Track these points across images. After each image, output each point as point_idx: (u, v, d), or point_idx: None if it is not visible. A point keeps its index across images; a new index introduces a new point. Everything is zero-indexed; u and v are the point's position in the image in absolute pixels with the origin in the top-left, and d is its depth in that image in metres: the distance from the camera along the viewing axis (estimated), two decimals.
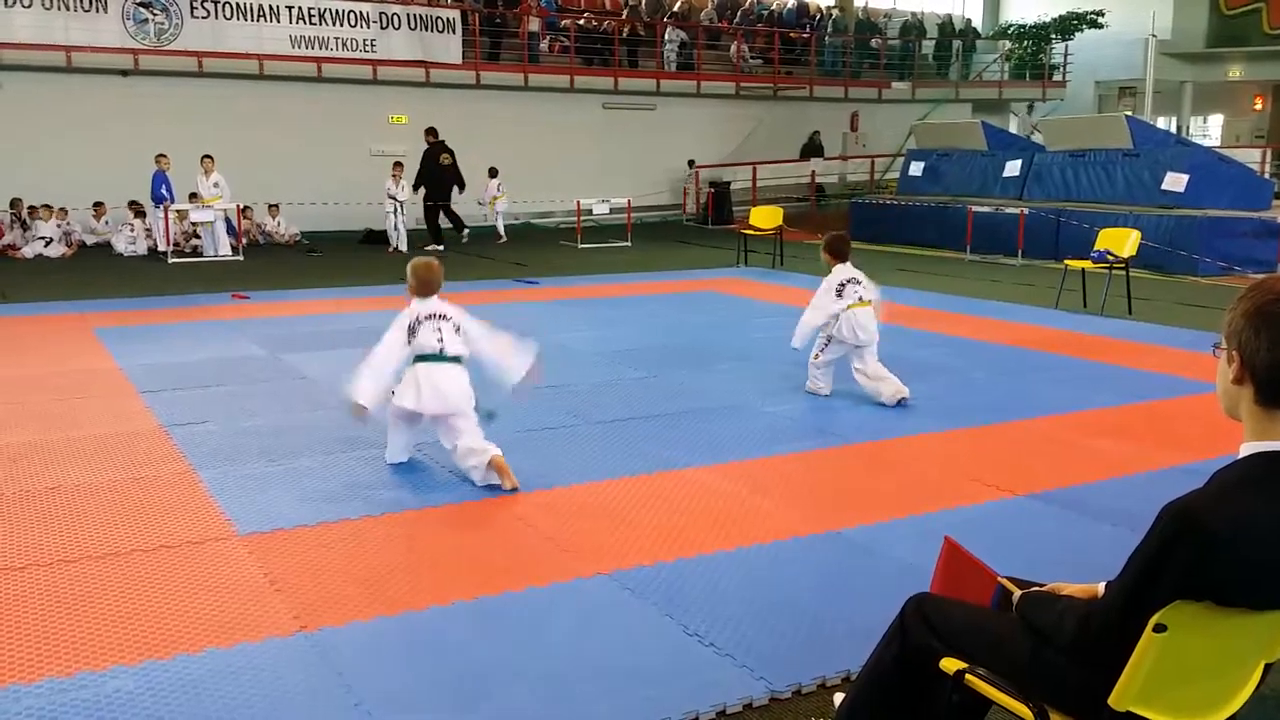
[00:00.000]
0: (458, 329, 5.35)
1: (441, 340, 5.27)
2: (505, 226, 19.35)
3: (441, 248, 17.05)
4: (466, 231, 18.15)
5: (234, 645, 3.47)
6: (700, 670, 3.33)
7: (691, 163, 23.67)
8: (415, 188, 17.52)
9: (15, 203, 16.66)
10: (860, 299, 6.94)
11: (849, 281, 6.97)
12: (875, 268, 14.75)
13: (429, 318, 5.31)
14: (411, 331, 5.27)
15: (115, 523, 4.62)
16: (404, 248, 16.76)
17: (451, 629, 3.62)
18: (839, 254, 7.10)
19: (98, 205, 17.46)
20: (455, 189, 17.96)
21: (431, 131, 17.71)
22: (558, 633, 3.59)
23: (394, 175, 17.08)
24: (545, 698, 3.16)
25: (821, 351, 7.11)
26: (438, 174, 17.61)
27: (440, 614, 3.74)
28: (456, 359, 5.32)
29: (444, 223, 17.85)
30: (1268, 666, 2.08)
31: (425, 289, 5.39)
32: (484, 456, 5.14)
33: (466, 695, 3.18)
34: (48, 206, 16.56)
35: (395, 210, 17.01)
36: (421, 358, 5.27)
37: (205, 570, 4.11)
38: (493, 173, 19.00)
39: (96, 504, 4.87)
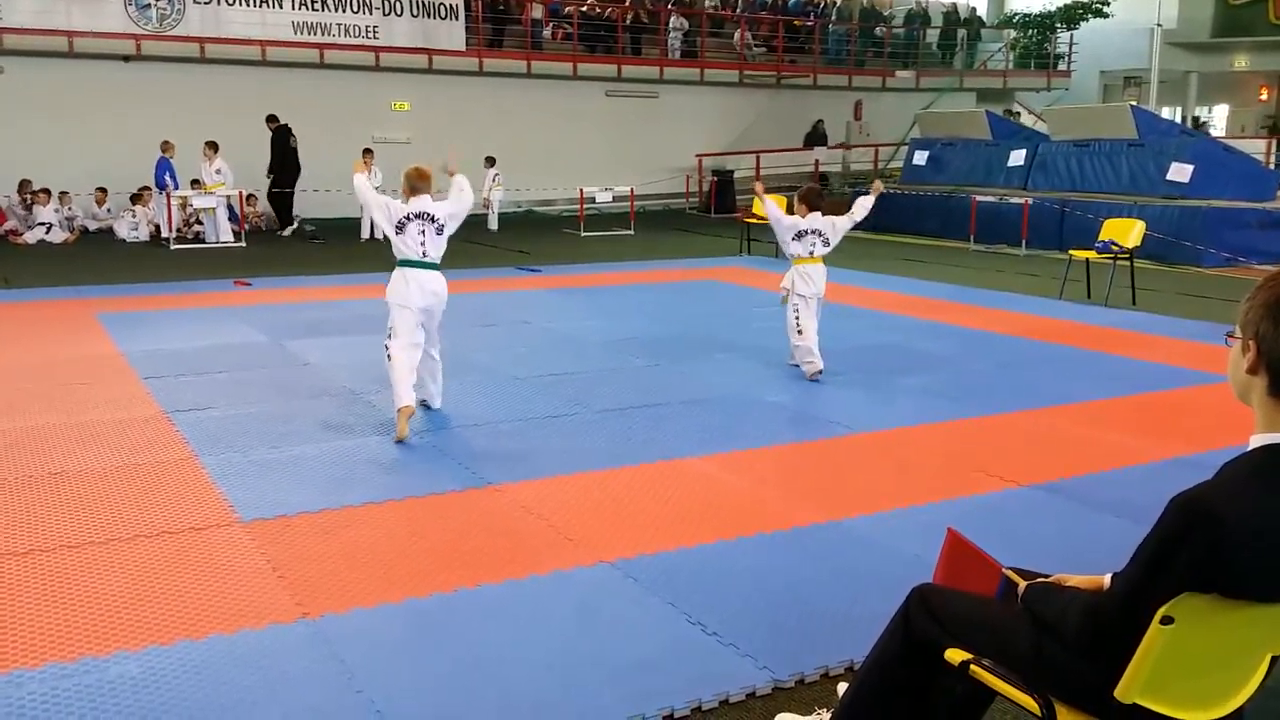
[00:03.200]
0: (439, 229, 6.00)
1: (424, 245, 5.94)
2: (503, 215, 19.26)
3: (287, 232, 17.26)
4: (291, 229, 17.82)
5: (236, 631, 3.47)
6: (703, 659, 3.33)
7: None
8: (269, 173, 17.50)
9: (24, 184, 16.63)
10: (812, 254, 7.31)
11: (812, 231, 7.32)
12: (879, 257, 14.77)
13: (417, 216, 5.95)
14: (400, 228, 5.93)
15: (118, 508, 4.62)
16: (379, 234, 16.75)
17: (454, 616, 3.62)
18: (813, 205, 7.41)
19: (100, 191, 17.42)
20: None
21: (273, 118, 17.60)
22: (560, 621, 3.59)
23: (366, 162, 17.03)
24: (548, 686, 3.16)
25: (797, 319, 7.24)
26: (289, 158, 17.54)
27: (443, 601, 3.73)
28: (435, 265, 5.99)
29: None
30: (1275, 659, 2.07)
31: (415, 190, 5.99)
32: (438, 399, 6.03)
33: (468, 682, 3.17)
34: (46, 191, 16.53)
35: None
36: (406, 262, 5.93)
37: (208, 556, 4.11)
38: (490, 161, 18.92)
39: (99, 490, 4.86)
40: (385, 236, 6.16)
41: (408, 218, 5.95)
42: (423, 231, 5.96)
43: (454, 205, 6.13)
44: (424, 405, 6.25)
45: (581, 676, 3.22)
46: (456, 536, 4.38)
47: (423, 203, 6.00)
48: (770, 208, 7.75)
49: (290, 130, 17.62)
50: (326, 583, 3.87)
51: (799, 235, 7.33)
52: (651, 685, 3.16)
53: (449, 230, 6.10)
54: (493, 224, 18.63)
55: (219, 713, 2.99)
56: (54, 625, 3.51)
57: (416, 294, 5.91)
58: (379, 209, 6.05)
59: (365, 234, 16.71)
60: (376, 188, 16.90)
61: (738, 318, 9.93)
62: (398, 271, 5.97)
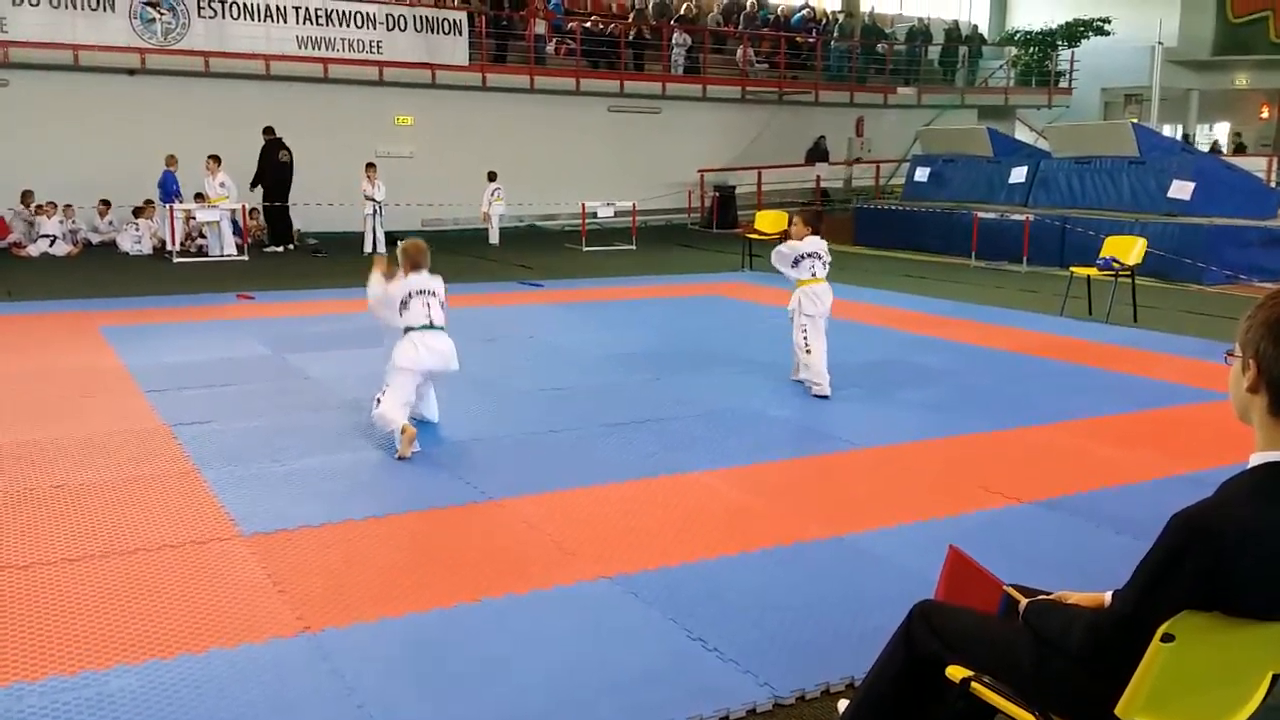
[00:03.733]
0: (442, 304, 6.13)
1: (430, 313, 6.04)
2: (505, 229, 19.25)
3: (281, 249, 17.14)
4: (293, 246, 17.67)
5: (237, 645, 3.47)
6: (704, 675, 3.33)
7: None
8: (253, 186, 17.34)
9: (26, 196, 16.68)
10: (814, 275, 7.33)
11: (810, 255, 7.33)
12: (880, 273, 14.79)
13: (419, 293, 6.04)
14: (404, 305, 6.02)
15: (119, 522, 4.62)
16: (382, 250, 16.78)
17: (455, 630, 3.62)
18: (813, 227, 7.43)
19: (103, 203, 17.47)
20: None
21: (269, 130, 17.52)
22: (562, 636, 3.59)
23: (369, 176, 17.09)
24: (549, 701, 3.15)
25: (806, 339, 7.26)
26: (277, 171, 17.40)
27: (444, 615, 3.73)
28: (442, 328, 6.09)
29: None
30: (1276, 677, 2.07)
31: (415, 266, 6.09)
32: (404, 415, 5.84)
33: (469, 697, 3.17)
34: (52, 204, 16.59)
35: (375, 212, 17.00)
36: (412, 328, 5.99)
37: (208, 570, 4.11)
38: (491, 176, 18.97)
39: (100, 503, 4.87)
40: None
41: (410, 295, 6.01)
42: (427, 304, 6.02)
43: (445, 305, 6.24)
44: (421, 420, 6.25)
45: (582, 691, 3.21)
46: (458, 551, 4.38)
47: (422, 279, 6.08)
48: (778, 258, 7.50)
49: (282, 144, 17.51)
50: (327, 596, 3.87)
51: (797, 261, 7.34)
52: (652, 701, 3.15)
53: (445, 308, 6.17)
54: (493, 239, 18.63)
55: None
56: (54, 638, 3.50)
57: (426, 356, 5.92)
58: (383, 306, 6.09)
59: (368, 247, 16.72)
60: (380, 201, 17.02)
61: (740, 332, 9.94)
62: (406, 337, 5.96)
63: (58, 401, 6.78)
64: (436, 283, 6.16)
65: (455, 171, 19.42)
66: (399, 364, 5.91)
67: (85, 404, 6.73)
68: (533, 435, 6.19)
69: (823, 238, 7.47)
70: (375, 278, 6.17)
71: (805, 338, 7.26)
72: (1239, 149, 28.05)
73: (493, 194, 18.81)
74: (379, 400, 5.84)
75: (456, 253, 17.41)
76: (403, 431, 5.68)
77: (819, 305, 7.29)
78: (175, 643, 3.48)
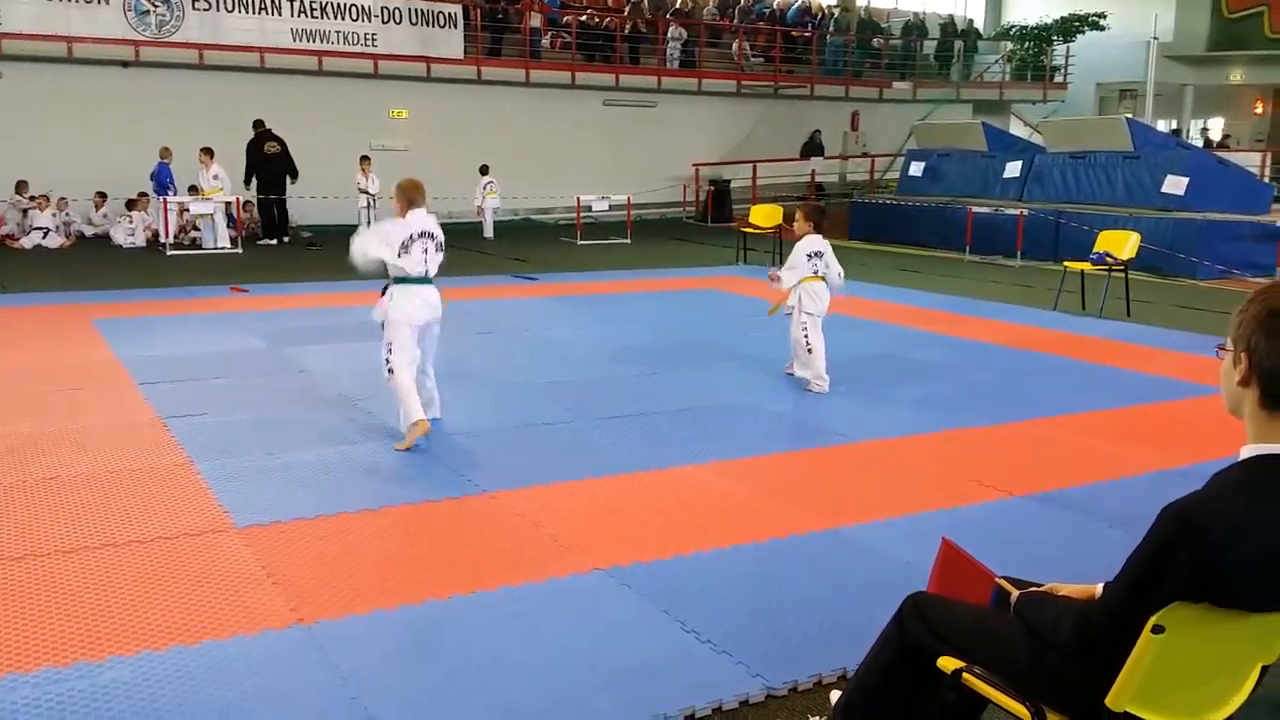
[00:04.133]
0: (439, 246, 6.02)
1: (427, 263, 5.93)
2: (500, 223, 19.22)
3: (274, 242, 17.11)
4: (287, 239, 17.56)
5: (231, 637, 3.47)
6: (697, 667, 3.33)
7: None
8: (246, 180, 17.26)
9: (21, 185, 16.61)
10: (816, 273, 7.34)
11: (816, 254, 7.33)
12: (875, 267, 14.80)
13: (421, 236, 5.90)
14: (405, 248, 5.85)
15: (112, 514, 4.62)
16: None
17: (449, 623, 3.62)
18: (816, 223, 7.41)
19: (100, 195, 17.42)
20: (289, 179, 17.55)
21: (258, 123, 17.38)
22: (555, 628, 3.59)
23: (363, 169, 17.04)
24: (542, 693, 3.16)
25: (807, 338, 7.26)
26: (262, 164, 17.25)
27: (438, 608, 3.74)
28: (431, 280, 6.00)
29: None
30: (1265, 668, 2.08)
31: (412, 204, 5.96)
32: (423, 411, 5.80)
33: (463, 689, 3.18)
34: (45, 196, 16.54)
35: (369, 204, 16.96)
36: (407, 279, 5.87)
37: (202, 562, 4.11)
38: (484, 170, 18.90)
39: (93, 495, 4.86)
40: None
41: (412, 238, 5.87)
42: (426, 250, 5.92)
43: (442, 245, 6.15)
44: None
45: (576, 684, 3.22)
46: (452, 544, 4.38)
47: (423, 220, 5.94)
48: (791, 274, 7.42)
49: (270, 136, 17.37)
50: (321, 589, 3.87)
51: (809, 256, 7.30)
52: (646, 693, 3.16)
53: (442, 254, 6.09)
54: (487, 232, 18.63)
55: (213, 718, 2.99)
56: (48, 630, 3.50)
57: (422, 309, 5.89)
58: (380, 246, 5.91)
59: None
60: (375, 195, 16.96)
61: (735, 327, 9.95)
62: (398, 289, 5.88)
63: (50, 394, 6.77)
64: (435, 224, 6.04)
65: (450, 165, 19.37)
66: (396, 318, 5.84)
67: (78, 397, 6.72)
68: (527, 428, 6.19)
69: (823, 234, 7.46)
70: (365, 231, 6.21)
71: (806, 336, 7.24)
72: (1221, 144, 28.05)
73: (485, 188, 18.80)
74: (389, 366, 5.82)
75: (451, 246, 17.35)
76: (416, 424, 5.67)
77: (819, 303, 7.30)
78: (169, 634, 3.48)
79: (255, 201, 17.67)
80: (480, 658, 3.37)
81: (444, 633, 3.55)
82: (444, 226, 6.29)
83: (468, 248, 16.79)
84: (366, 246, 5.94)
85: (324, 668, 3.29)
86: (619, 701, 3.11)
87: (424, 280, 5.93)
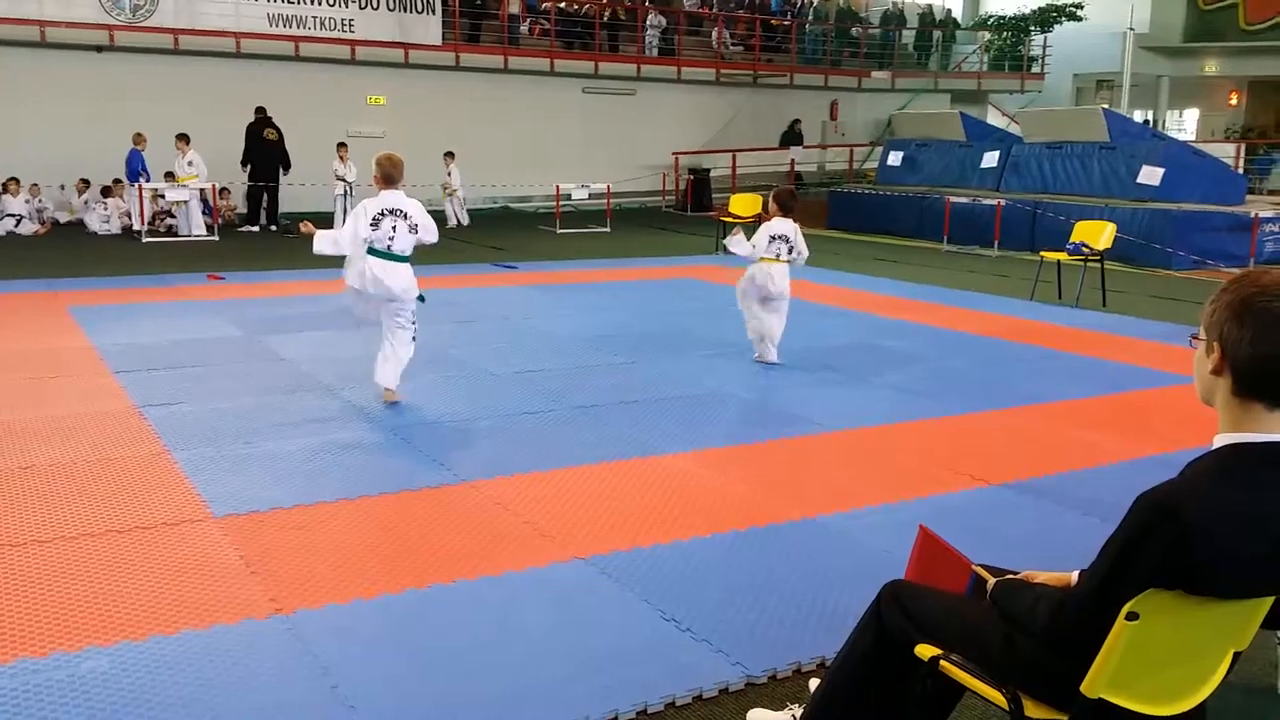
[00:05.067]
0: (412, 227, 6.11)
1: (393, 239, 6.06)
2: (478, 210, 19.08)
3: (257, 229, 17.06)
4: (275, 227, 17.48)
5: (209, 627, 3.46)
6: (677, 655, 3.35)
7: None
8: (243, 165, 17.22)
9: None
10: (778, 257, 7.52)
11: (780, 237, 7.51)
12: (852, 256, 14.85)
13: (391, 212, 6.05)
14: (375, 223, 6.04)
15: (89, 503, 4.59)
16: None
17: (428, 612, 3.62)
18: (787, 208, 7.61)
19: (83, 182, 17.23)
20: (281, 169, 17.53)
21: (260, 109, 17.32)
22: (535, 617, 3.60)
23: (341, 156, 16.94)
24: (522, 681, 3.17)
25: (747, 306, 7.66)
26: (262, 151, 17.24)
27: (417, 597, 3.74)
28: (401, 257, 6.12)
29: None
30: (1237, 654, 2.11)
31: (388, 181, 6.11)
32: (385, 379, 6.22)
33: (442, 677, 3.18)
34: (16, 181, 16.35)
35: (345, 192, 16.83)
36: (372, 251, 6.05)
37: (180, 552, 4.09)
38: (449, 156, 18.56)
39: (69, 484, 4.83)
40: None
41: (382, 213, 6.05)
42: (394, 226, 6.07)
43: (430, 222, 6.30)
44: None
45: (556, 672, 3.23)
46: (431, 532, 4.38)
47: (396, 198, 6.08)
48: (743, 247, 7.67)
49: (268, 123, 17.35)
50: (300, 578, 3.86)
51: (772, 238, 7.52)
52: (625, 680, 3.17)
53: (420, 235, 6.22)
54: (458, 219, 18.41)
55: (191, 708, 2.98)
56: (24, 620, 3.48)
57: (369, 283, 6.09)
58: (361, 229, 6.05)
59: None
60: (351, 182, 16.88)
61: (714, 315, 9.95)
62: (362, 257, 6.10)
63: (25, 382, 6.71)
64: (410, 203, 6.16)
65: (428, 152, 19.22)
66: (348, 282, 6.20)
67: (53, 385, 6.67)
68: (506, 417, 6.18)
69: (796, 220, 7.59)
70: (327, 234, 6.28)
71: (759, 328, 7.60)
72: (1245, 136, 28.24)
73: (448, 174, 18.51)
74: (413, 336, 6.30)
75: (460, 230, 17.32)
76: (385, 393, 6.16)
77: (774, 284, 7.48)
78: (147, 624, 3.47)
79: (245, 187, 17.53)
80: (460, 646, 3.37)
81: (424, 621, 3.55)
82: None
83: (445, 235, 16.74)
84: (344, 238, 6.15)
85: (304, 657, 3.29)
86: (599, 689, 3.13)
87: (381, 254, 6.07)
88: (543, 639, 3.44)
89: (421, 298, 6.34)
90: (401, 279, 6.14)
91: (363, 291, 6.15)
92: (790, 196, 7.76)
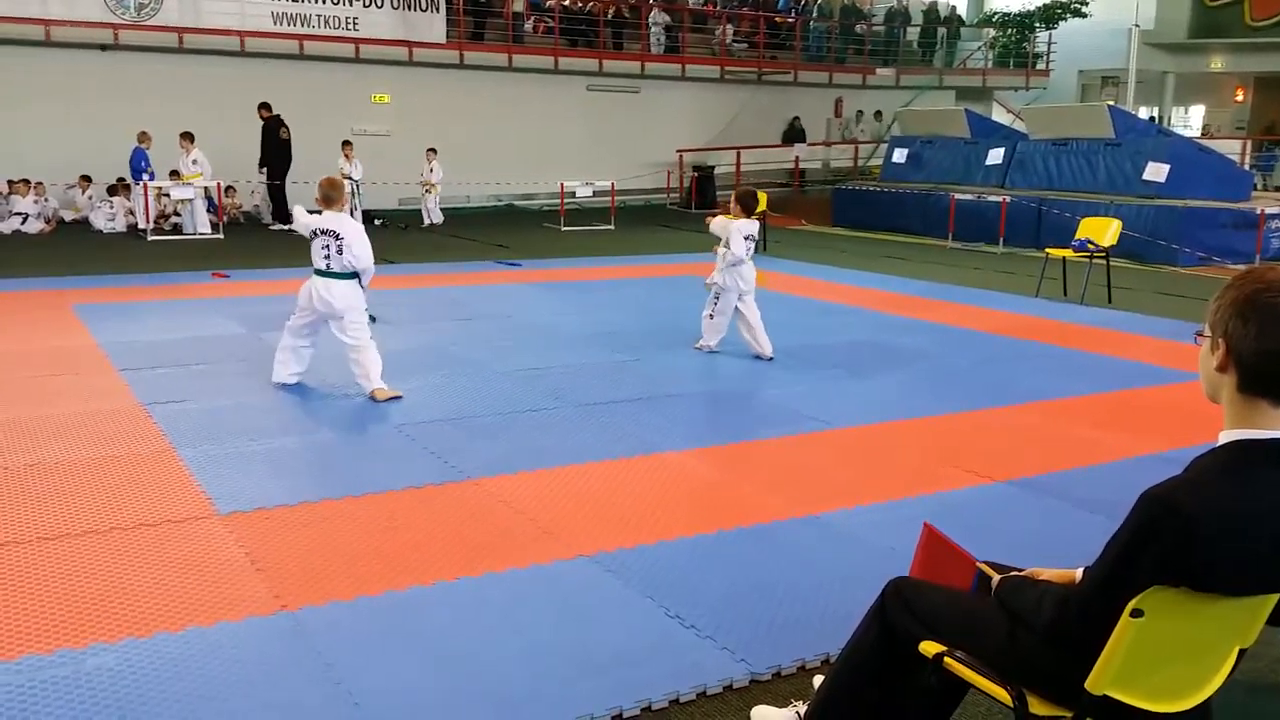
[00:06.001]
0: (340, 249, 6.35)
1: (328, 259, 6.37)
2: (483, 209, 18.99)
3: (287, 228, 16.86)
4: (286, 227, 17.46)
5: (215, 624, 3.47)
6: (681, 652, 3.35)
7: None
8: (261, 166, 17.18)
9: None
10: (749, 254, 7.81)
11: (749, 236, 7.77)
12: (858, 254, 14.84)
13: (324, 233, 6.36)
14: (313, 237, 6.42)
15: (94, 501, 4.60)
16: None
17: (433, 609, 3.63)
18: (749, 209, 7.85)
19: (84, 179, 17.26)
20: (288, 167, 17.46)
21: (266, 106, 17.20)
22: (539, 614, 3.60)
23: (346, 154, 16.91)
24: (526, 679, 3.17)
25: (714, 306, 7.85)
26: (280, 150, 17.18)
27: (422, 594, 3.74)
28: (340, 274, 6.41)
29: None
30: (1242, 651, 2.10)
31: (326, 203, 6.46)
32: (367, 385, 6.43)
33: (447, 675, 3.18)
34: (25, 181, 16.39)
35: (353, 190, 16.77)
36: (317, 270, 6.43)
37: (185, 549, 4.10)
38: (432, 152, 18.32)
39: (75, 482, 4.84)
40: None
41: (315, 234, 6.41)
42: (326, 246, 6.36)
43: (366, 247, 6.49)
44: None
45: (560, 669, 3.23)
46: (435, 530, 4.38)
47: (327, 219, 6.40)
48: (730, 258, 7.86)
49: (282, 121, 17.35)
50: (304, 576, 3.87)
51: (745, 238, 7.74)
52: (629, 678, 3.18)
53: (352, 253, 6.39)
54: (431, 218, 18.20)
55: (196, 704, 2.99)
56: (30, 617, 3.49)
57: (315, 300, 6.44)
58: (305, 230, 6.55)
59: None
60: (358, 180, 16.87)
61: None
62: (312, 276, 6.52)
63: (31, 380, 6.73)
64: (343, 222, 6.42)
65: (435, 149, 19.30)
66: (300, 300, 6.56)
67: (59, 383, 6.68)
68: (510, 415, 6.19)
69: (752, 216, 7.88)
70: (300, 209, 6.79)
71: (716, 301, 7.83)
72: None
73: (430, 170, 18.33)
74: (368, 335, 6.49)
75: (437, 229, 17.34)
76: (377, 393, 6.38)
77: (745, 282, 7.72)
78: (152, 621, 3.47)
79: (265, 187, 17.49)
80: (464, 644, 3.38)
81: (428, 619, 3.56)
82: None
83: (448, 233, 16.75)
84: (297, 212, 6.76)
85: (308, 653, 3.30)
86: (603, 687, 3.13)
87: (322, 274, 6.42)
88: (546, 636, 3.44)
89: (373, 318, 6.69)
90: (343, 295, 6.41)
91: (306, 307, 6.50)
92: (751, 197, 7.94)
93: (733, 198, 7.97)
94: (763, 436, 5.88)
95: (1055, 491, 4.99)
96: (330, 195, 6.47)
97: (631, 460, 5.34)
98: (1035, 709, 2.16)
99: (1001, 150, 17.62)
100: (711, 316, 7.92)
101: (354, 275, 6.45)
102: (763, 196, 15.54)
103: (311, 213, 6.64)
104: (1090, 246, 10.84)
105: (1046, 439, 5.91)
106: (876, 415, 6.31)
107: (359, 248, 6.39)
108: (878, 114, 26.53)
